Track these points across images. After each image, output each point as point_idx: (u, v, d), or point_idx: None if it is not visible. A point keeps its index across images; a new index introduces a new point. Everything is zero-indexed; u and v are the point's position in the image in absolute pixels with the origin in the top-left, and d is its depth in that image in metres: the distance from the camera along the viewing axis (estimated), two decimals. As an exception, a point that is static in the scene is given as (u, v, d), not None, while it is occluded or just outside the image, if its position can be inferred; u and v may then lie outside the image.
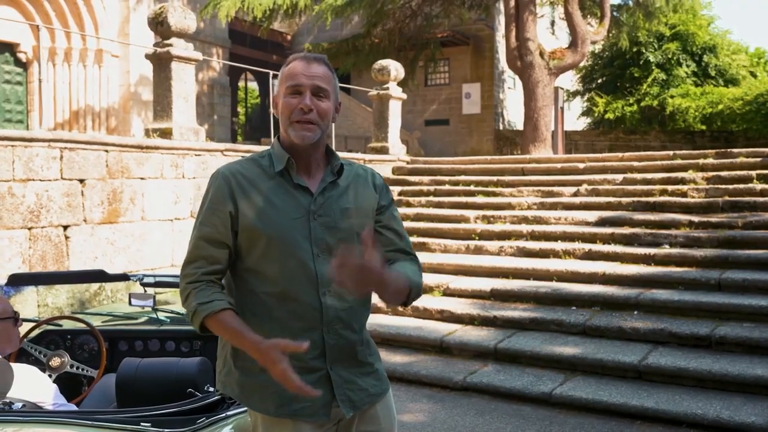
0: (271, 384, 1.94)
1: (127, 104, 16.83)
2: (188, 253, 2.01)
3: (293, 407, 1.95)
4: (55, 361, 3.32)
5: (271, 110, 12.06)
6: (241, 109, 27.98)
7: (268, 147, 2.14)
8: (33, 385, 2.59)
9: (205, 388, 2.70)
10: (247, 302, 2.00)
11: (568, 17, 15.64)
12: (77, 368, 3.38)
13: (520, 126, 19.05)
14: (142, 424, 2.23)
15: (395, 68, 12.31)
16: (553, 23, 21.29)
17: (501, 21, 18.60)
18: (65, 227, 6.80)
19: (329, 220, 1.99)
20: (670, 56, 20.90)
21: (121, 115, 16.79)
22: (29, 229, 6.47)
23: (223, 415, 2.43)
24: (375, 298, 2.08)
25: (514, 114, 21.75)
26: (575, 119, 24.74)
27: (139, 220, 7.51)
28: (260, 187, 1.99)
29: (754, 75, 24.40)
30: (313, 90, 1.97)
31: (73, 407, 2.72)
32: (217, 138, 17.69)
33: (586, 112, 23.21)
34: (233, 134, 23.42)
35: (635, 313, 6.52)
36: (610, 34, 18.47)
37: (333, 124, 2.19)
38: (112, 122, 16.50)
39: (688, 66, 21.08)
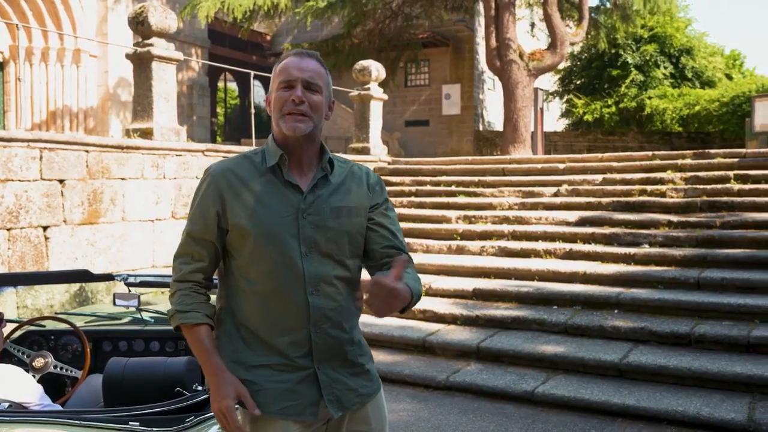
0: (258, 382, 1.95)
1: (106, 105, 16.68)
2: (178, 247, 2.05)
3: (279, 405, 1.95)
4: (39, 362, 3.29)
5: (252, 110, 12.11)
6: (220, 110, 27.85)
7: (248, 147, 2.14)
8: (18, 385, 2.57)
9: (193, 387, 2.70)
10: (238, 300, 2.00)
11: (547, 19, 15.75)
12: (61, 369, 3.35)
13: (499, 127, 19.14)
14: (130, 423, 2.23)
15: (376, 69, 12.30)
16: (532, 25, 21.42)
17: (481, 22, 18.68)
18: (45, 228, 6.73)
19: (318, 219, 1.98)
20: (647, 58, 21.13)
21: (100, 116, 16.63)
22: (8, 230, 6.39)
23: (211, 413, 2.43)
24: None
25: (493, 115, 21.84)
26: (555, 120, 24.91)
27: (119, 221, 7.45)
28: (251, 185, 1.98)
29: (729, 77, 24.73)
30: (304, 83, 1.96)
31: (59, 408, 2.69)
32: (197, 138, 17.60)
33: (565, 114, 23.39)
34: (212, 135, 23.33)
35: (616, 311, 6.58)
36: (589, 36, 18.62)
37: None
38: (90, 123, 16.33)
39: (665, 68, 21.32)
